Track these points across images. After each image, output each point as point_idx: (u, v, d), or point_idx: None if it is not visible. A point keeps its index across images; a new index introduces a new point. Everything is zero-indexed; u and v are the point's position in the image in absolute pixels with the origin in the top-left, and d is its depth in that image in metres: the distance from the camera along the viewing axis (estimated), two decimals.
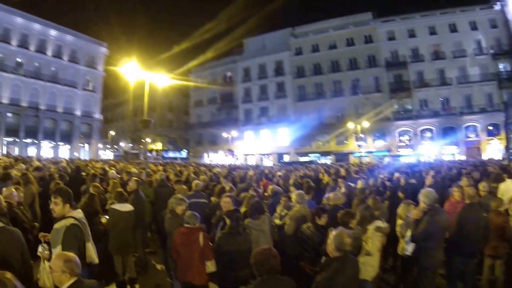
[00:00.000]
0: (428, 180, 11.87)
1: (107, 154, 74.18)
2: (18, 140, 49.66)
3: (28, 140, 51.24)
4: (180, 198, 7.14)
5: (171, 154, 64.76)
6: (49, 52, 53.06)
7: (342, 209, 7.73)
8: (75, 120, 56.77)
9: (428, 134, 48.59)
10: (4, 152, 42.15)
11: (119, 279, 7.63)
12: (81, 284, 3.64)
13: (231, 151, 53.81)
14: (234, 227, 5.91)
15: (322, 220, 6.52)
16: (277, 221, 7.98)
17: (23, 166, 14.03)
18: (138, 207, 8.41)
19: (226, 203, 7.11)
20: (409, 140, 49.76)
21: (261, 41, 61.05)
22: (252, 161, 56.00)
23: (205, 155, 63.45)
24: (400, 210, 7.24)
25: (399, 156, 46.66)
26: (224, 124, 61.08)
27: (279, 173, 18.12)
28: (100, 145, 68.44)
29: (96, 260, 5.24)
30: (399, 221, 7.11)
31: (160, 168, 20.23)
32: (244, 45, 63.15)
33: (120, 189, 8.18)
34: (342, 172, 16.93)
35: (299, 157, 53.95)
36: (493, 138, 43.81)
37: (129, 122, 74.40)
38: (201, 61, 64.35)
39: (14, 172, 10.04)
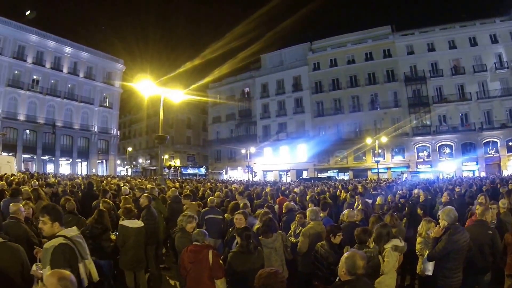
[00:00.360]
0: (444, 197, 11.45)
1: (125, 171, 74.78)
2: (36, 157, 50.27)
3: (46, 157, 51.79)
4: (189, 215, 6.98)
5: (190, 171, 65.86)
6: (65, 69, 53.68)
7: (358, 226, 7.52)
8: (92, 137, 56.97)
9: (447, 150, 47.56)
10: (22, 169, 42.20)
11: None
12: None
13: (249, 168, 52.80)
14: (244, 245, 5.75)
15: (337, 239, 6.32)
16: (292, 239, 7.75)
17: (37, 182, 14.13)
18: (150, 223, 8.37)
19: (238, 220, 6.98)
20: (428, 156, 48.68)
21: (278, 56, 61.15)
22: (270, 178, 55.95)
23: (224, 171, 63.35)
24: (420, 227, 6.95)
25: (417, 172, 45.69)
26: (243, 140, 60.58)
27: (296, 190, 17.95)
28: (118, 162, 69.26)
29: (97, 278, 5.07)
30: (419, 239, 6.83)
31: (177, 184, 20.32)
32: (262, 60, 63.19)
33: (128, 205, 8.03)
34: (360, 188, 16.57)
35: (317, 173, 54.06)
36: None
37: (147, 138, 75.17)
38: (218, 77, 64.72)
39: (25, 188, 10.10)
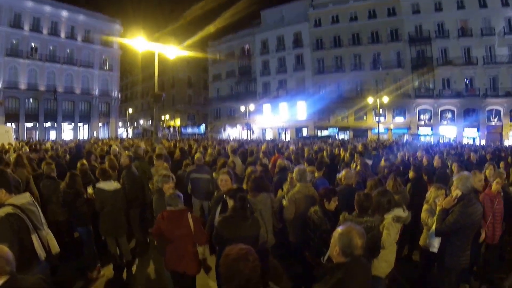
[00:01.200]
0: (436, 161, 10.78)
1: (127, 132, 74.69)
2: (38, 125, 50.41)
3: (48, 124, 51.94)
4: (165, 175, 6.27)
5: (189, 130, 65.40)
6: (63, 34, 52.71)
7: (354, 190, 6.89)
8: (93, 100, 56.77)
9: (449, 115, 46.20)
10: (25, 137, 42.61)
11: (116, 261, 7.19)
12: (14, 283, 3.00)
13: (248, 125, 53.49)
14: (238, 209, 4.97)
15: (332, 205, 5.55)
16: (284, 202, 6.96)
17: (27, 149, 13.86)
18: (130, 184, 7.86)
19: (224, 181, 6.18)
20: (429, 119, 47.38)
21: (279, 12, 58.58)
22: (269, 135, 55.78)
23: (223, 129, 63.72)
24: (429, 194, 6.22)
25: (418, 135, 45.16)
26: (242, 97, 59.75)
27: (292, 147, 17.26)
28: (120, 124, 69.57)
29: (57, 250, 4.66)
30: (425, 206, 6.10)
31: (171, 143, 19.93)
32: (262, 16, 60.92)
33: (104, 166, 7.48)
34: (360, 147, 15.78)
35: (317, 131, 53.43)
36: None
37: (148, 100, 74.71)
38: (217, 34, 64.02)
39: (8, 156, 9.90)
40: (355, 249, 3.17)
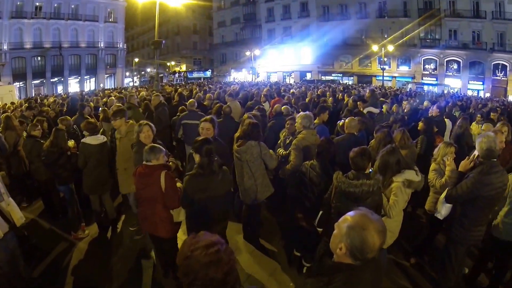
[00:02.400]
0: (435, 111, 9.97)
1: (132, 81, 74.30)
2: (45, 81, 49.88)
3: (55, 79, 51.29)
4: (141, 124, 5.69)
5: (195, 75, 63.89)
6: None
7: (357, 140, 6.28)
8: (99, 53, 55.69)
9: (454, 66, 44.40)
10: (33, 94, 42.24)
11: (100, 220, 6.95)
12: None
13: (253, 69, 52.30)
14: (205, 164, 4.32)
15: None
16: (281, 151, 6.47)
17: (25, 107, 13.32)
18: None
19: (204, 129, 5.58)
20: (434, 70, 45.87)
21: None
22: (274, 79, 54.56)
23: (228, 74, 62.65)
24: (437, 151, 5.46)
25: (423, 84, 44.10)
26: (247, 43, 58.01)
27: (292, 90, 16.47)
28: (127, 73, 69.32)
29: (19, 222, 4.38)
30: (433, 165, 5.40)
31: (171, 88, 19.53)
32: None
33: (90, 120, 6.94)
34: (367, 94, 14.70)
35: (321, 76, 52.65)
36: None
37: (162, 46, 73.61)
38: None
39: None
40: (368, 253, 2.15)
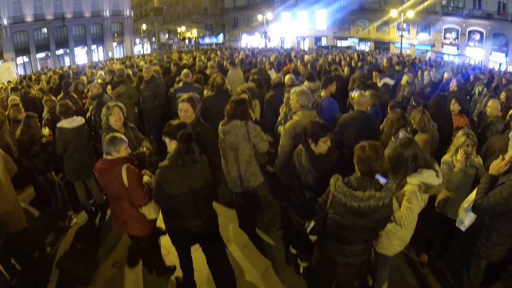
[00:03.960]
0: (453, 85, 8.93)
1: (142, 49, 73.52)
2: (50, 53, 48.60)
3: (60, 51, 50.04)
4: (109, 106, 5.02)
5: (207, 40, 63.48)
6: None
7: (369, 118, 5.48)
8: (105, 22, 53.49)
9: (477, 36, 41.36)
10: (39, 68, 41.58)
11: (87, 207, 6.55)
12: None
13: (265, 34, 50.53)
14: (182, 153, 3.59)
15: (321, 147, 3.88)
16: (280, 129, 5.59)
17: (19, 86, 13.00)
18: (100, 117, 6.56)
19: (182, 111, 4.70)
20: (455, 39, 42.99)
21: None
22: (288, 44, 53.23)
23: (240, 38, 61.29)
24: (456, 139, 4.38)
25: (442, 53, 42.12)
26: (259, 7, 55.18)
27: (306, 57, 15.50)
28: (137, 41, 67.79)
29: None
30: (446, 156, 4.45)
31: (176, 55, 18.69)
32: None
33: (64, 102, 6.21)
34: (384, 63, 13.14)
35: (337, 41, 50.77)
36: None
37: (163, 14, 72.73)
38: None
39: None
40: None
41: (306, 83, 7.20)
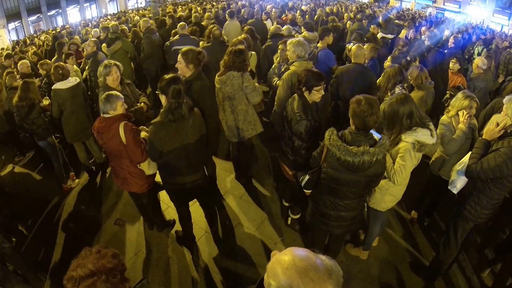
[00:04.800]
0: (450, 43, 8.71)
1: (138, 3, 71.19)
2: (42, 15, 46.44)
3: (53, 12, 47.82)
4: (107, 64, 4.81)
5: None
6: None
7: (366, 70, 5.45)
8: None
9: None
10: (32, 32, 40.24)
11: (87, 168, 6.68)
12: None
13: None
14: (173, 108, 3.52)
15: (315, 95, 3.85)
16: (275, 80, 5.61)
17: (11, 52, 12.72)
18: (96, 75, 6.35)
19: (179, 63, 4.55)
20: None
21: None
22: None
23: None
24: (454, 101, 4.25)
25: (444, 9, 40.87)
26: None
27: (304, 7, 15.14)
28: None
29: None
30: (444, 118, 4.31)
31: (173, 9, 17.87)
32: None
33: (58, 63, 6.04)
34: (383, 24, 12.53)
35: None
36: None
37: None
38: None
39: None
40: None
41: (304, 33, 7.06)
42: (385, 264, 4.58)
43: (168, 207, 5.40)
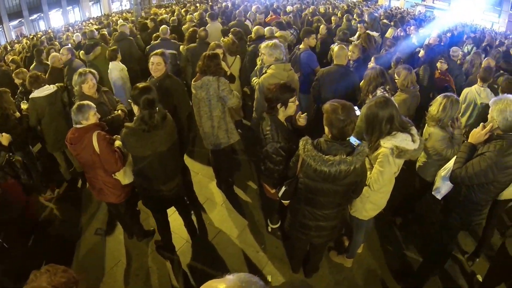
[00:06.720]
0: (433, 39, 8.73)
1: (121, 5, 70.72)
2: (24, 20, 45.61)
3: (35, 16, 46.96)
4: (82, 72, 4.75)
5: None
6: None
7: (347, 72, 5.35)
8: None
9: None
10: (13, 37, 39.81)
11: (67, 177, 6.61)
12: None
13: None
14: (145, 117, 3.50)
15: (291, 107, 3.66)
16: (255, 81, 5.39)
17: None
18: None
19: (154, 64, 4.72)
20: None
21: None
22: None
23: None
24: (435, 102, 4.11)
25: (433, 7, 41.20)
26: None
27: (289, 8, 15.05)
28: None
29: None
30: (430, 128, 4.17)
31: (154, 10, 17.79)
32: None
33: (34, 72, 5.88)
34: (369, 23, 12.23)
35: None
36: None
37: None
38: None
39: None
40: None
41: (278, 32, 7.21)
42: (369, 272, 4.52)
43: (148, 216, 5.29)
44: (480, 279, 4.32)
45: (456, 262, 4.65)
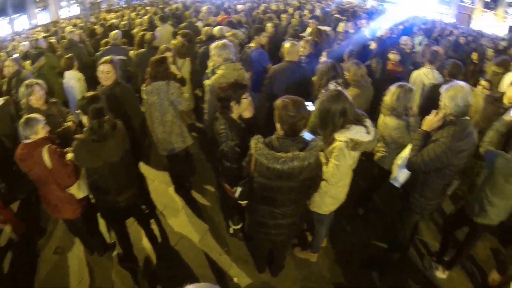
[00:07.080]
0: (384, 31, 8.99)
1: (71, 11, 68.74)
2: None
3: None
4: (35, 84, 4.55)
5: None
6: None
7: (300, 68, 5.39)
8: None
9: None
10: None
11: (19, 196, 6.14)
12: None
13: None
14: (95, 127, 3.44)
15: (244, 103, 3.64)
16: (207, 84, 5.10)
17: None
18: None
19: (104, 73, 4.59)
20: None
21: None
22: None
23: None
24: (388, 93, 4.21)
25: (383, 1, 41.56)
26: None
27: (239, 7, 15.03)
28: (64, 2, 62.67)
29: None
30: (389, 119, 4.24)
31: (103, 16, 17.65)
32: None
33: None
34: (321, 17, 12.72)
35: None
36: (488, 11, 37.54)
37: None
38: None
39: None
40: None
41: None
42: (335, 264, 4.56)
43: (110, 229, 5.14)
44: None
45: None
